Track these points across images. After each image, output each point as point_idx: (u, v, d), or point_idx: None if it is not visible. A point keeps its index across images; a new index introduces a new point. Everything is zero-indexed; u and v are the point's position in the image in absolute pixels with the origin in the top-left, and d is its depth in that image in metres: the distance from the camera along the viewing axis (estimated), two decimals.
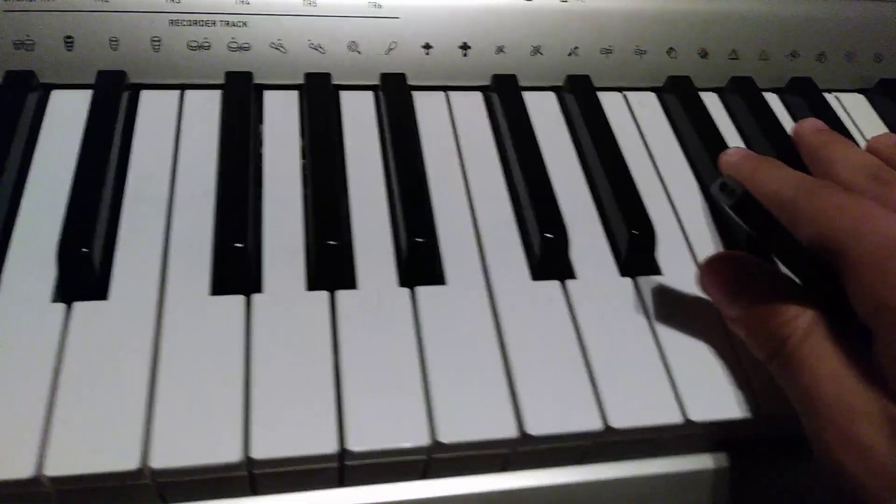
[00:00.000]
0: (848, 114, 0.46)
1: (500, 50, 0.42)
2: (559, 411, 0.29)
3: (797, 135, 0.41)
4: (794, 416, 0.28)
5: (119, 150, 0.36)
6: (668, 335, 0.32)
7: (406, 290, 0.32)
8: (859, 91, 0.48)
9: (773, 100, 0.46)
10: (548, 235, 0.34)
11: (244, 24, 0.39)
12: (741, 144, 0.43)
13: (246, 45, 0.39)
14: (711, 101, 0.45)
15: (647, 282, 0.34)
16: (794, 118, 0.45)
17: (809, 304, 0.28)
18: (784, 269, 0.30)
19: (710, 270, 0.32)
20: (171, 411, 0.28)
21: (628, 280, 0.34)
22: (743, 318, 0.30)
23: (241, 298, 0.31)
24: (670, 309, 0.33)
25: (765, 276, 0.30)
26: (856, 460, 0.25)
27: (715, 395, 0.31)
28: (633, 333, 0.32)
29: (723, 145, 0.40)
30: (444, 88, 0.42)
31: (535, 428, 0.28)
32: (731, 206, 0.27)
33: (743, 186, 0.26)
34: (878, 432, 0.25)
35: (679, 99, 0.43)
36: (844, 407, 0.26)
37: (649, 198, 0.38)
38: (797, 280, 0.30)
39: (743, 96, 0.44)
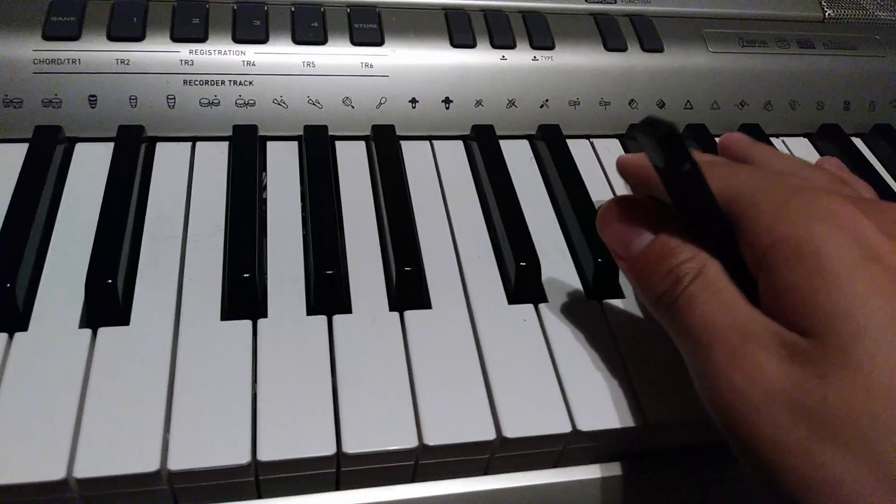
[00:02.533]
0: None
1: (478, 103, 0.47)
2: (533, 416, 0.33)
3: (723, 144, 0.41)
4: None
5: (138, 194, 0.40)
6: (630, 351, 0.36)
7: (396, 314, 0.36)
8: (803, 135, 0.53)
9: None
10: (522, 264, 0.38)
11: (250, 82, 0.44)
12: None
13: (251, 102, 0.44)
14: None
15: (612, 304, 0.38)
16: None
17: (702, 247, 0.29)
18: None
19: (606, 213, 0.33)
20: (186, 421, 0.31)
21: (595, 303, 0.38)
22: (636, 260, 0.31)
23: (248, 323, 0.35)
24: (633, 328, 0.37)
25: (659, 218, 0.31)
26: (745, 378, 0.26)
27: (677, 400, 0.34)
28: (600, 349, 0.36)
29: None
30: (429, 138, 0.47)
31: (511, 431, 0.32)
32: (657, 138, 0.27)
33: (669, 123, 0.27)
34: (769, 353, 0.26)
35: (639, 144, 0.48)
36: (736, 331, 0.27)
37: None
38: (696, 227, 0.31)
39: (697, 141, 0.49)
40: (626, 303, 0.38)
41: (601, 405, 0.34)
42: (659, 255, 0.30)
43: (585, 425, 0.33)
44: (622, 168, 0.36)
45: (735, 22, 0.53)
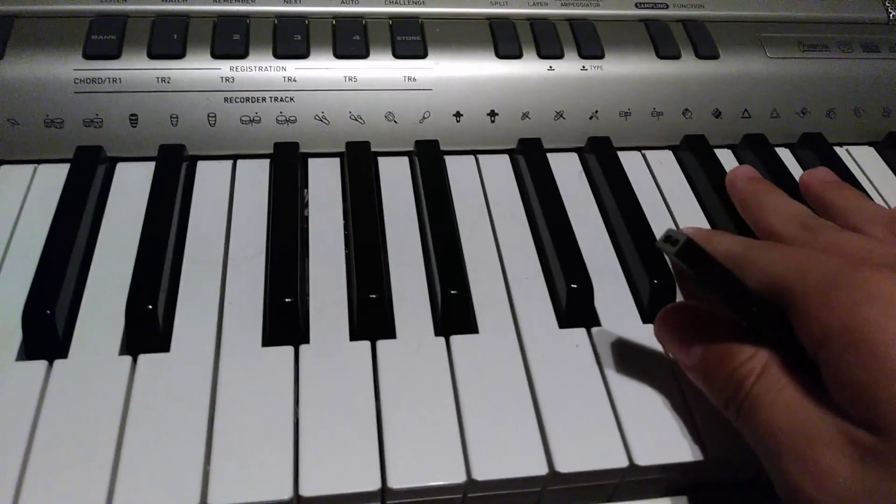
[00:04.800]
0: (858, 165, 0.48)
1: (525, 116, 0.45)
2: (587, 449, 0.31)
3: (730, 183, 0.42)
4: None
5: (179, 215, 0.39)
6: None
7: (441, 339, 0.35)
8: (868, 144, 0.50)
9: (785, 154, 0.48)
10: (573, 286, 0.36)
11: (291, 98, 0.43)
12: None
13: (293, 118, 0.43)
14: (726, 158, 0.47)
15: None
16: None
17: (761, 345, 0.29)
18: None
19: (662, 323, 0.33)
20: (226, 454, 0.30)
21: (650, 327, 0.36)
22: (698, 366, 0.31)
23: (290, 350, 0.34)
24: None
25: (715, 323, 0.31)
26: (816, 485, 0.25)
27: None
28: (657, 377, 0.34)
29: None
30: (474, 152, 0.46)
31: (565, 465, 0.30)
32: (675, 253, 0.27)
33: (686, 235, 0.27)
34: (838, 454, 0.25)
35: (695, 156, 0.46)
36: (802, 433, 0.26)
37: None
38: (747, 325, 0.30)
39: (756, 152, 0.46)
40: None
41: (660, 438, 0.32)
42: (718, 360, 0.30)
43: (643, 459, 0.31)
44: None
45: (794, 25, 0.51)
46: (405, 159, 0.45)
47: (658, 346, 0.35)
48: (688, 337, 0.31)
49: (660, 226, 0.41)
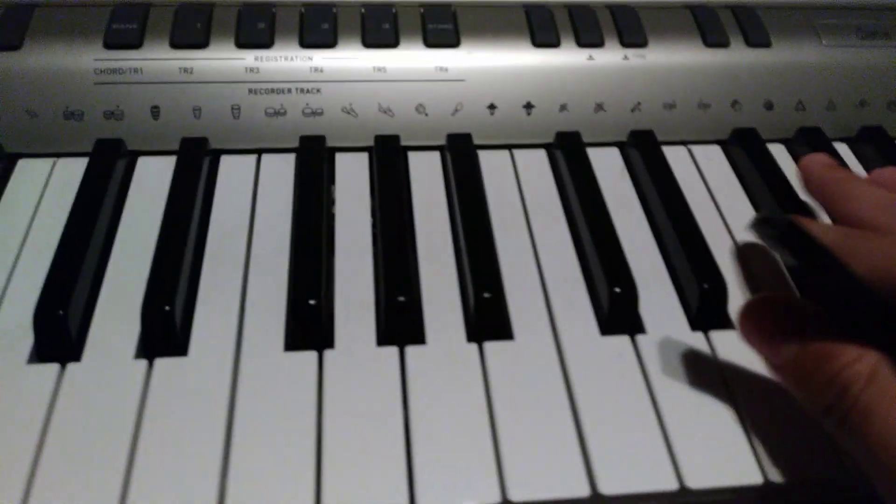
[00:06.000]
0: None
1: (563, 108, 0.43)
2: (632, 469, 0.29)
3: (805, 171, 0.37)
4: None
5: (200, 211, 0.38)
6: (744, 392, 0.31)
7: (474, 346, 0.33)
8: None
9: (843, 149, 0.45)
10: (616, 290, 0.34)
11: (318, 90, 0.41)
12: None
13: (319, 111, 0.41)
14: (779, 152, 0.44)
15: (720, 336, 0.34)
16: (866, 167, 0.44)
17: (867, 345, 0.26)
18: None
19: (749, 315, 0.29)
20: (245, 464, 0.28)
21: (700, 334, 0.34)
22: (792, 365, 0.27)
23: (313, 355, 0.32)
24: (745, 364, 0.32)
25: (814, 316, 0.28)
26: None
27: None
28: (708, 390, 0.31)
29: (793, 196, 0.40)
30: (509, 146, 0.43)
31: (608, 487, 0.28)
32: (778, 237, 0.25)
33: (788, 218, 0.25)
34: None
35: (746, 150, 0.43)
36: None
37: (718, 251, 0.37)
38: (851, 322, 0.27)
39: (812, 147, 0.43)
40: (736, 334, 0.34)
41: (712, 458, 0.29)
42: (818, 359, 0.26)
43: (695, 482, 0.28)
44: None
45: (852, 12, 0.48)
46: (436, 154, 0.43)
47: (707, 356, 0.33)
48: (780, 332, 0.28)
49: (708, 226, 0.39)
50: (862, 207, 0.33)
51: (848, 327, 0.26)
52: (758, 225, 0.26)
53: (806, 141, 0.44)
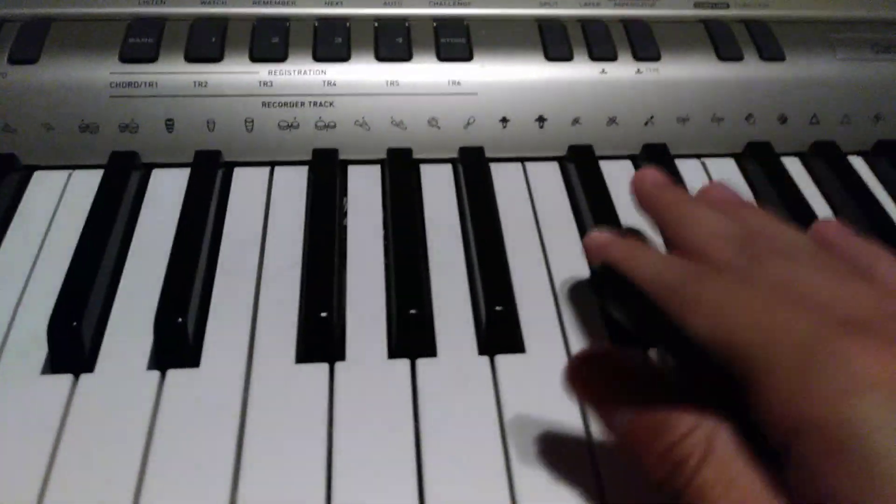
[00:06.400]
0: None
1: (575, 121, 0.43)
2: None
3: (636, 188, 0.34)
4: None
5: (213, 224, 0.38)
6: None
7: (486, 359, 0.32)
8: None
9: (858, 163, 0.45)
10: None
11: (331, 103, 0.41)
12: (827, 209, 0.42)
13: (332, 124, 0.41)
14: (793, 166, 0.44)
15: None
16: (883, 182, 0.43)
17: (705, 410, 0.23)
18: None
19: (576, 373, 0.26)
20: (256, 475, 0.28)
21: None
22: (627, 434, 0.24)
23: (324, 367, 0.32)
24: None
25: (647, 377, 0.25)
26: None
27: None
28: None
29: (807, 210, 0.40)
30: (521, 159, 0.43)
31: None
32: (594, 287, 0.22)
33: (605, 265, 0.22)
34: None
35: (760, 164, 0.43)
36: None
37: None
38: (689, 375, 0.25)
39: (826, 161, 0.43)
40: None
41: None
42: (650, 430, 0.23)
43: None
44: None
45: (866, 26, 0.47)
46: (448, 167, 0.43)
47: None
48: (610, 394, 0.25)
49: None
50: (694, 236, 0.30)
51: (687, 383, 0.24)
52: (596, 286, 0.23)
53: (820, 154, 0.44)
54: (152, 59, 0.41)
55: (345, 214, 0.39)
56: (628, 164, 0.44)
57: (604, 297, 0.22)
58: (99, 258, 0.35)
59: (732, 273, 0.26)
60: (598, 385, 0.26)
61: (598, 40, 0.44)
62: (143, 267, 0.36)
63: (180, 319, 0.32)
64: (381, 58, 0.42)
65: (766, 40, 0.45)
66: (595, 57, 0.44)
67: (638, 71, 0.44)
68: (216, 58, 0.41)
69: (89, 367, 0.32)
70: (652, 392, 0.24)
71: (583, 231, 0.39)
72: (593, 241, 0.32)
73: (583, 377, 0.26)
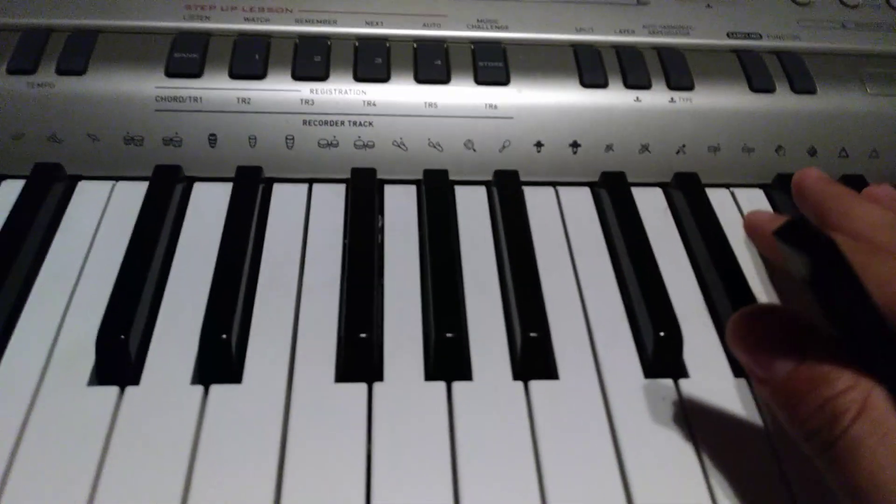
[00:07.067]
0: None
1: (608, 148, 0.44)
2: None
3: (800, 184, 0.37)
4: None
5: (254, 239, 0.39)
6: (788, 440, 0.32)
7: (520, 384, 0.33)
8: None
9: None
10: (661, 334, 0.34)
11: (370, 123, 0.42)
12: None
13: (371, 143, 0.42)
14: None
15: None
16: None
17: (863, 373, 0.24)
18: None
19: (739, 325, 0.27)
20: (297, 491, 0.29)
21: (742, 381, 0.34)
22: (780, 384, 0.26)
23: (363, 387, 0.33)
24: None
25: (809, 333, 0.26)
26: None
27: None
28: (749, 439, 0.32)
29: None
30: (554, 184, 0.44)
31: None
32: (811, 254, 0.23)
33: (826, 235, 0.23)
34: None
35: (788, 196, 0.43)
36: None
37: (760, 292, 0.38)
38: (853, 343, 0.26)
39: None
40: None
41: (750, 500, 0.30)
42: (810, 382, 0.25)
43: None
44: (752, 230, 0.31)
45: None
46: (483, 189, 0.43)
47: (750, 404, 0.33)
48: (775, 345, 0.26)
49: (751, 269, 0.39)
50: (861, 225, 0.32)
51: (849, 350, 0.25)
52: (783, 234, 0.23)
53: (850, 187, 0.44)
54: (197, 74, 0.42)
55: (382, 233, 0.40)
56: (659, 191, 0.44)
57: (793, 246, 0.23)
58: (145, 271, 0.35)
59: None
60: (760, 335, 0.27)
61: (633, 68, 0.45)
62: (186, 280, 0.37)
63: (225, 336, 0.33)
64: (419, 80, 0.43)
65: (798, 72, 0.46)
66: (629, 84, 0.44)
67: (671, 100, 0.44)
68: (259, 75, 0.42)
69: (135, 379, 0.32)
70: (814, 346, 0.26)
71: (614, 257, 0.40)
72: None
73: (745, 326, 0.27)
